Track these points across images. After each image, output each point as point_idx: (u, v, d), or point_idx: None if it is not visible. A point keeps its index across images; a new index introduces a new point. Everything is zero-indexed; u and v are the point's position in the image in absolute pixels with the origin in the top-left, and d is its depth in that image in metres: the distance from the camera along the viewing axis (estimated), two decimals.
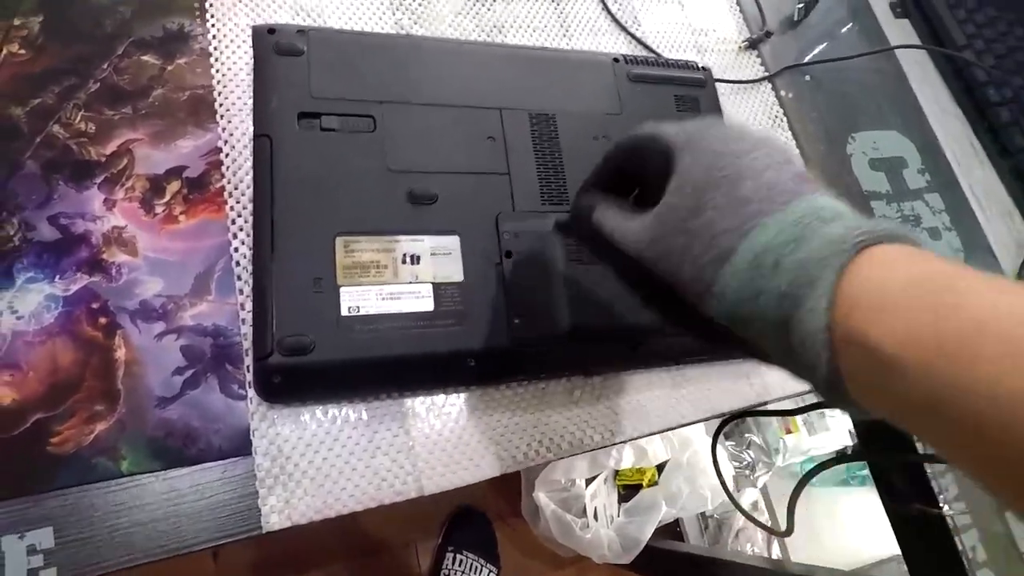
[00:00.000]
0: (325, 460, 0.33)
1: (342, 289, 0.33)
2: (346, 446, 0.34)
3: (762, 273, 0.22)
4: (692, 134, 0.27)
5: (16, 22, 0.37)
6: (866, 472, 0.87)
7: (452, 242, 0.36)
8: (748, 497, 0.91)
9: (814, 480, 0.50)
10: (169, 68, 0.39)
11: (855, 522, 0.88)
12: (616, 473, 0.91)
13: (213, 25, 0.40)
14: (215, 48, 0.40)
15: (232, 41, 0.40)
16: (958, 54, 0.59)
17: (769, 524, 0.89)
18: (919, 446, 0.45)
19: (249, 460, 0.32)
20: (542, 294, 0.37)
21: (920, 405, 0.19)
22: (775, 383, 0.43)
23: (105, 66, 0.38)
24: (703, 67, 0.48)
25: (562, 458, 0.38)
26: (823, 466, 0.52)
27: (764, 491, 0.89)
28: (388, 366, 0.33)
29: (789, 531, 0.51)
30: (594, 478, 0.88)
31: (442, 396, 0.36)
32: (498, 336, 0.35)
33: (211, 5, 0.41)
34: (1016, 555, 0.44)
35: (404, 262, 0.35)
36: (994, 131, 0.58)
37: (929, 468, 0.45)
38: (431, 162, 0.37)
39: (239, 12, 0.41)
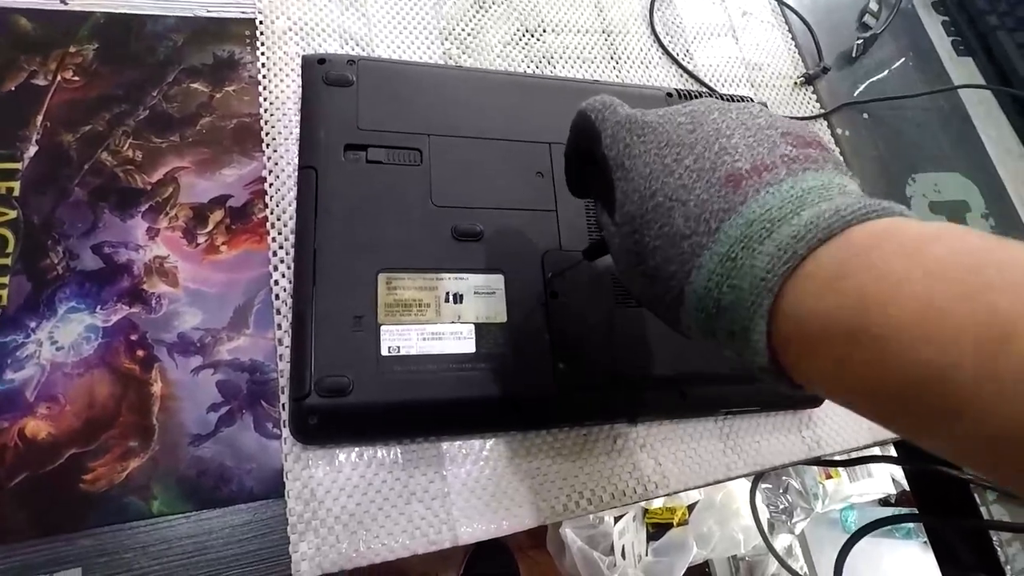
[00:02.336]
0: (358, 506, 0.32)
1: (383, 328, 0.32)
2: (380, 491, 0.32)
3: (708, 315, 0.21)
4: (625, 146, 0.25)
5: (72, 49, 0.37)
6: (911, 525, 0.82)
7: (496, 281, 0.35)
8: (782, 542, 0.87)
9: (852, 525, 0.47)
10: (217, 96, 0.39)
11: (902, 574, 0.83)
12: (645, 511, 0.88)
13: (263, 53, 0.40)
14: (264, 76, 0.39)
15: (281, 70, 0.40)
16: None
17: (805, 572, 0.85)
18: (984, 510, 0.42)
19: (281, 503, 0.31)
20: (588, 338, 0.35)
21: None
22: (828, 436, 0.41)
23: (155, 93, 0.38)
24: (760, 102, 0.46)
25: (602, 511, 0.36)
26: (876, 524, 0.49)
27: (801, 537, 0.85)
28: (427, 410, 0.32)
29: None
30: (623, 515, 0.85)
31: (480, 441, 0.35)
32: (542, 381, 0.34)
33: (262, 33, 0.41)
34: None
35: (447, 301, 0.34)
36: None
37: (995, 536, 0.41)
38: (477, 197, 0.36)
39: (289, 40, 0.41)
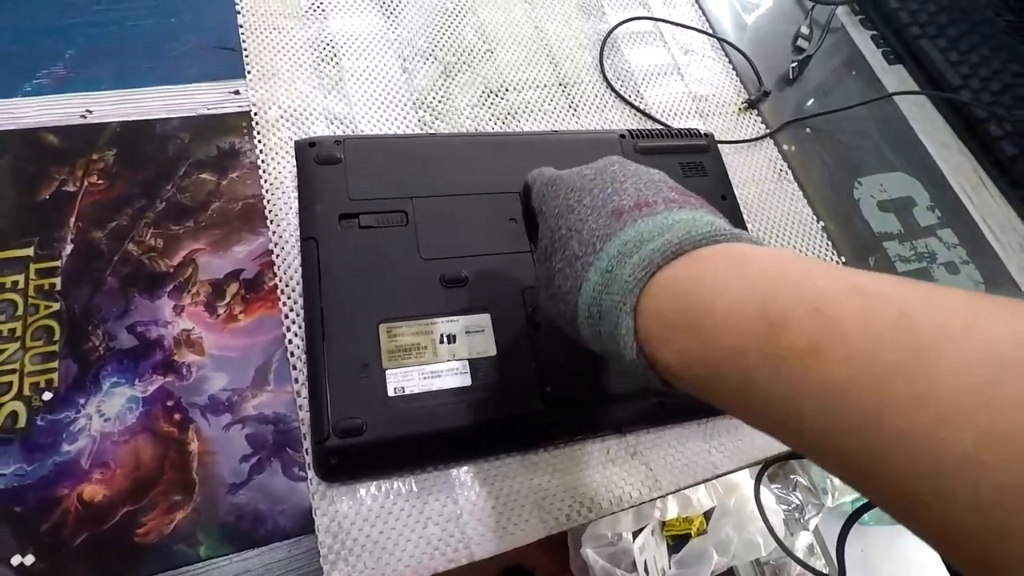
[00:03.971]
0: (381, 533, 0.35)
1: (388, 372, 0.36)
2: (399, 518, 0.36)
3: (593, 322, 0.26)
4: (543, 196, 0.31)
5: (94, 156, 0.43)
6: None
7: (484, 320, 0.39)
8: (802, 540, 0.89)
9: (868, 520, 0.49)
10: (223, 183, 0.44)
11: (916, 561, 0.85)
12: (663, 524, 0.91)
13: (259, 141, 0.45)
14: (262, 161, 0.45)
15: (277, 153, 0.45)
16: (956, 97, 0.62)
17: (826, 568, 0.86)
18: None
19: (312, 538, 0.35)
20: (571, 360, 0.39)
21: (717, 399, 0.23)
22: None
23: (169, 187, 0.43)
24: (705, 133, 0.51)
25: (603, 516, 0.39)
26: (868, 506, 0.52)
27: (817, 533, 0.87)
28: (434, 440, 0.36)
29: (841, 575, 0.50)
30: (641, 530, 0.87)
31: (485, 464, 0.38)
32: (532, 404, 0.38)
33: (257, 123, 0.46)
34: None
35: (442, 342, 0.38)
36: (1000, 164, 0.60)
37: None
38: (460, 247, 0.41)
39: (281, 127, 0.46)
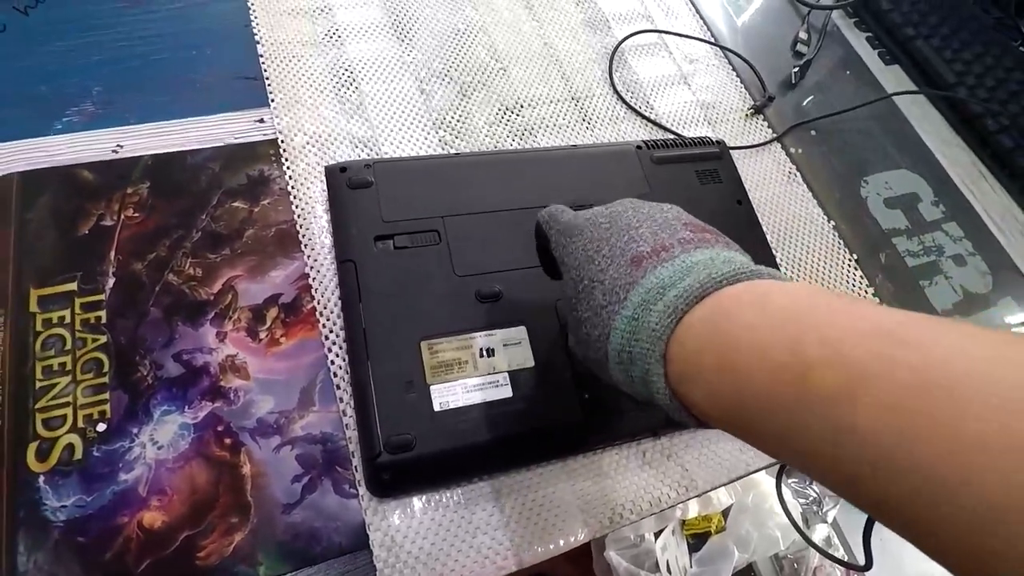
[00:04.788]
0: (433, 545, 0.36)
1: (432, 388, 0.37)
2: (449, 529, 0.37)
3: (624, 368, 0.26)
4: (562, 246, 0.32)
5: (129, 190, 0.44)
6: None
7: (520, 332, 0.40)
8: (819, 533, 0.90)
9: None
10: (256, 210, 0.45)
11: None
12: (683, 523, 0.92)
13: (288, 167, 0.47)
14: (292, 187, 0.46)
15: (306, 179, 0.46)
16: (952, 95, 0.64)
17: (845, 559, 0.87)
18: None
19: (367, 553, 0.36)
20: None
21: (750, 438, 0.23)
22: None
23: (203, 216, 0.44)
24: (717, 140, 0.53)
25: (644, 518, 0.40)
26: None
27: (835, 525, 0.89)
28: (479, 451, 0.37)
29: (868, 565, 0.52)
30: (662, 530, 0.88)
31: (527, 472, 0.40)
32: (571, 412, 0.39)
33: (284, 150, 0.47)
34: None
35: (481, 356, 0.39)
36: (999, 157, 0.62)
37: None
38: (492, 263, 0.42)
39: (308, 153, 0.47)
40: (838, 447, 0.19)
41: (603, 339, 0.27)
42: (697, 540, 0.92)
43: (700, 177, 0.50)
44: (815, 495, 0.88)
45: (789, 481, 0.90)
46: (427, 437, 0.36)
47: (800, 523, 0.88)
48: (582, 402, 0.39)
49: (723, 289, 0.24)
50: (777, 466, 0.52)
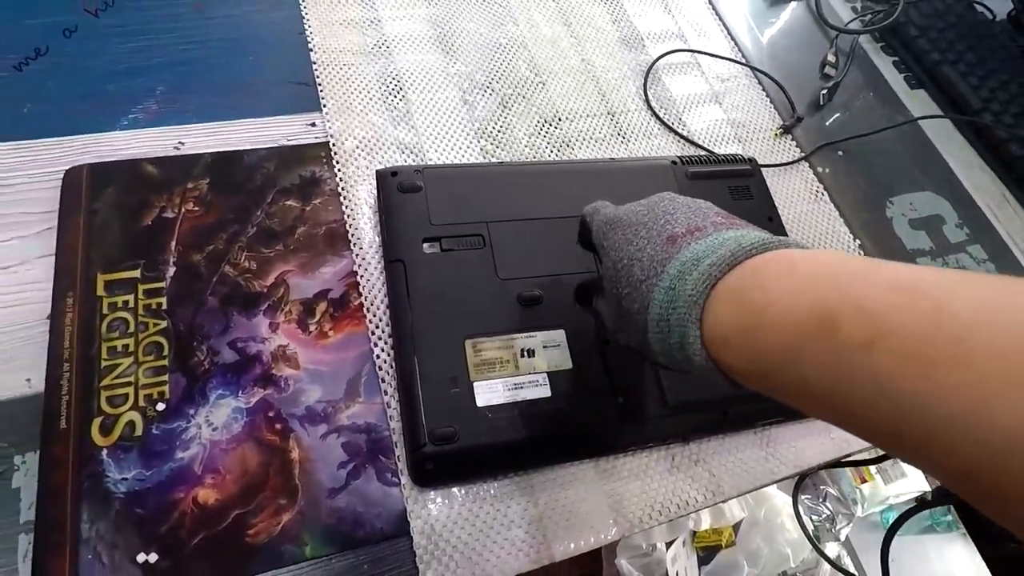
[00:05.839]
0: (470, 535, 0.38)
1: (475, 384, 0.39)
2: (486, 521, 0.39)
3: (662, 336, 0.28)
4: (603, 234, 0.34)
5: (190, 185, 0.46)
6: (950, 518, 0.86)
7: (559, 335, 0.42)
8: (830, 551, 0.91)
9: (900, 530, 0.52)
10: (307, 209, 0.47)
11: (945, 569, 0.87)
12: (694, 535, 0.92)
13: (339, 169, 0.49)
14: (342, 188, 0.48)
15: (355, 181, 0.48)
16: (978, 120, 0.65)
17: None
18: None
19: (407, 539, 0.37)
20: (639, 374, 0.42)
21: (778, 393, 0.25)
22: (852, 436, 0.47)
23: (259, 213, 0.46)
24: (749, 158, 0.54)
25: (671, 520, 0.42)
26: (908, 514, 0.54)
27: (847, 544, 0.89)
28: (519, 447, 0.39)
29: None
30: (673, 541, 0.89)
31: (561, 470, 0.41)
32: (606, 413, 0.40)
33: (335, 153, 0.49)
34: None
35: (522, 356, 0.41)
36: (1022, 182, 0.63)
37: None
38: (533, 268, 0.44)
39: (358, 156, 0.50)
40: (859, 391, 0.21)
41: (642, 311, 0.29)
42: (707, 552, 0.93)
43: (732, 193, 0.51)
44: (828, 512, 0.89)
45: (803, 498, 0.90)
46: (469, 431, 0.38)
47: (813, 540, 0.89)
48: (616, 405, 0.41)
49: (753, 258, 0.26)
50: (794, 481, 0.53)
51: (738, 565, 0.91)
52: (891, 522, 0.52)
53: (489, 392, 0.39)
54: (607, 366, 0.41)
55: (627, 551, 0.86)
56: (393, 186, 0.45)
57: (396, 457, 0.39)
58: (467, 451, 0.38)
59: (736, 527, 0.95)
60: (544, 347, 0.41)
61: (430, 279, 0.42)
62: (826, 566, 0.95)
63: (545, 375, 0.40)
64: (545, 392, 0.40)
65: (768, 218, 0.51)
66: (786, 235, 0.52)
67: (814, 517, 0.89)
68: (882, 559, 0.52)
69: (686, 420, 0.42)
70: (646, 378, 0.42)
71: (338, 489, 0.38)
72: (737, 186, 0.52)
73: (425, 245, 0.43)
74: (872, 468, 0.88)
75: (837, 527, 0.88)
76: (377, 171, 0.46)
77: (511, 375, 0.40)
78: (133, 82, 0.50)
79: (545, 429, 0.39)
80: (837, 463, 0.47)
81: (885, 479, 0.87)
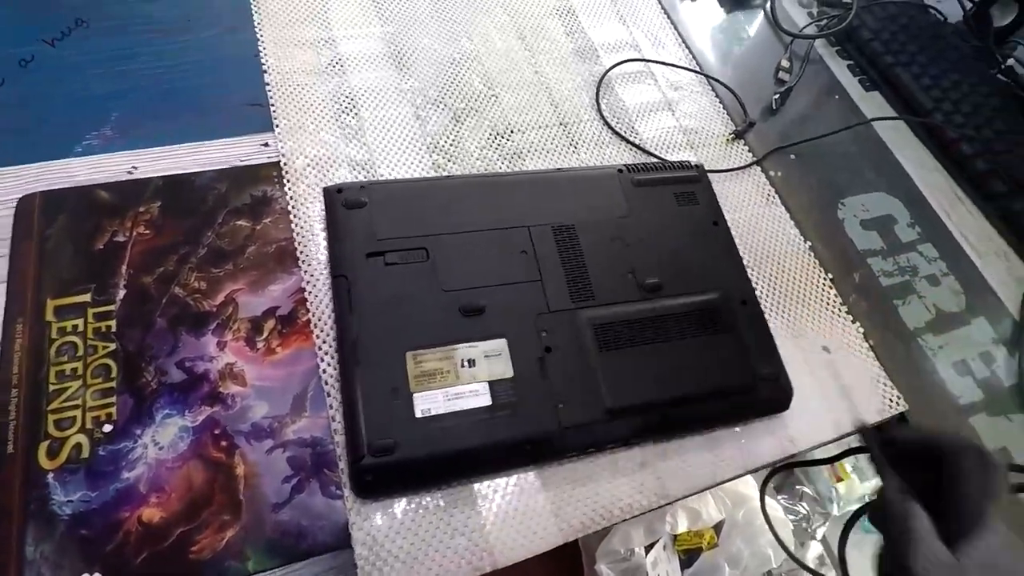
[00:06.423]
0: (412, 544, 0.39)
1: (415, 395, 0.40)
2: (428, 530, 0.39)
3: None
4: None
5: (141, 209, 0.47)
6: None
7: (500, 344, 0.43)
8: (813, 551, 0.91)
9: (870, 523, 0.52)
10: (258, 228, 0.48)
11: None
12: (674, 538, 0.93)
13: (289, 188, 0.50)
14: (292, 207, 0.49)
15: (305, 199, 0.49)
16: (930, 121, 0.66)
17: None
18: None
19: (350, 551, 0.38)
20: (580, 380, 0.43)
21: None
22: (799, 434, 0.47)
23: (209, 233, 0.47)
24: (696, 164, 0.55)
25: (614, 524, 0.42)
26: (861, 511, 0.54)
27: (824, 542, 0.89)
28: (459, 457, 0.39)
29: None
30: (653, 545, 0.89)
31: (505, 478, 0.42)
32: (547, 421, 0.41)
33: (286, 172, 0.50)
34: None
35: (463, 366, 0.42)
36: (974, 181, 0.64)
37: None
38: (476, 279, 0.45)
39: (308, 174, 0.51)
40: None
41: None
42: (688, 556, 0.93)
43: (678, 199, 0.52)
44: (804, 512, 0.89)
45: (780, 498, 0.91)
46: (408, 442, 0.38)
47: (791, 540, 0.89)
48: (557, 412, 0.41)
49: None
50: (773, 482, 0.53)
51: (719, 567, 0.91)
52: (846, 521, 0.52)
53: (428, 403, 0.40)
54: (547, 373, 0.42)
55: (606, 556, 0.86)
56: (338, 203, 0.46)
57: (340, 470, 0.40)
58: (406, 462, 0.38)
59: (717, 529, 0.95)
60: (485, 356, 0.42)
61: (373, 293, 0.43)
62: (809, 566, 0.95)
63: (486, 384, 0.41)
64: (485, 401, 0.41)
65: (714, 222, 0.52)
66: (732, 240, 0.52)
67: (791, 517, 0.90)
68: (840, 557, 0.52)
69: (627, 424, 0.43)
70: (586, 384, 0.43)
71: (282, 503, 0.39)
72: (683, 192, 0.53)
73: (369, 260, 0.44)
74: (847, 466, 0.88)
75: (814, 526, 0.88)
76: (324, 188, 0.47)
77: (451, 385, 0.41)
78: (88, 109, 0.51)
79: (485, 438, 0.40)
80: (786, 463, 0.47)
81: (861, 477, 0.87)
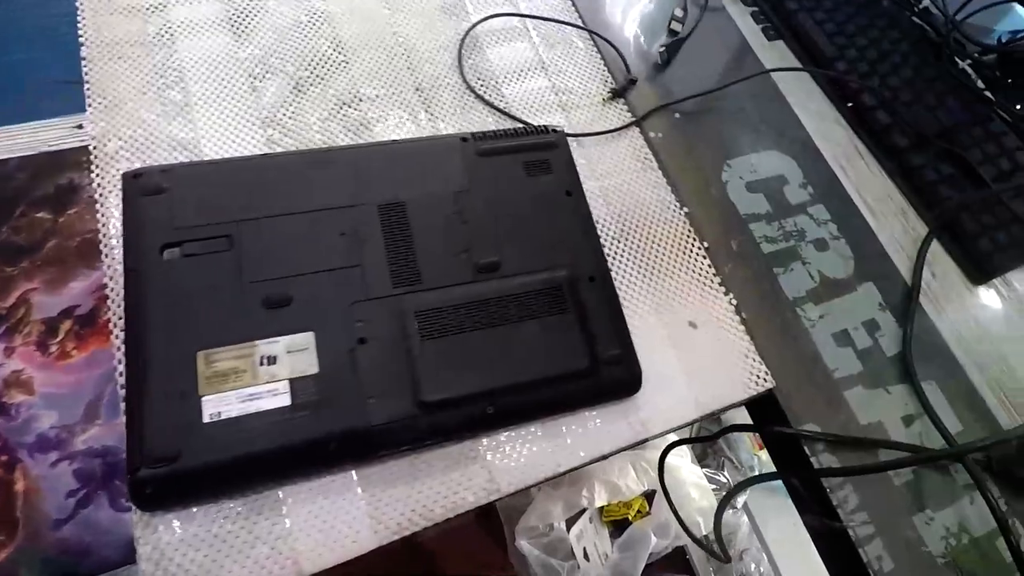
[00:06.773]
0: (206, 557, 0.36)
1: (204, 399, 0.37)
2: (226, 540, 0.37)
3: None
4: None
5: None
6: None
7: (307, 338, 0.39)
8: (737, 518, 0.90)
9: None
10: (61, 220, 0.44)
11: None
12: (601, 510, 0.92)
13: (97, 175, 0.46)
14: (100, 195, 0.45)
15: (115, 186, 0.45)
16: (832, 71, 0.61)
17: (758, 547, 0.87)
18: (814, 460, 0.46)
19: (135, 567, 0.36)
20: (396, 372, 0.40)
21: None
22: (653, 418, 0.45)
23: (3, 228, 0.43)
24: (554, 129, 0.51)
25: (436, 523, 0.40)
26: (740, 487, 0.52)
27: (746, 508, 0.88)
28: (254, 462, 0.37)
29: (727, 559, 0.51)
30: (576, 519, 0.88)
31: (318, 480, 0.39)
32: (356, 418, 0.38)
33: (95, 157, 0.46)
34: (925, 557, 0.43)
35: (262, 364, 0.38)
36: (875, 134, 0.60)
37: (826, 483, 0.45)
38: (286, 268, 0.41)
39: (120, 159, 0.46)
40: None
41: None
42: (617, 527, 0.92)
43: (528, 168, 0.48)
44: (726, 481, 0.88)
45: (702, 465, 0.89)
46: (194, 449, 0.36)
47: (715, 508, 0.88)
48: (368, 407, 0.39)
49: None
50: (698, 448, 0.51)
51: (648, 537, 0.90)
52: (724, 495, 0.50)
53: (219, 406, 0.37)
54: (357, 367, 0.39)
55: (525, 532, 0.85)
56: (135, 189, 0.42)
57: None
58: (192, 471, 0.35)
59: (649, 498, 0.94)
60: (288, 352, 0.39)
61: (166, 288, 0.39)
62: (744, 529, 0.94)
63: (287, 382, 0.38)
64: (284, 401, 0.38)
65: (567, 192, 0.48)
66: (588, 209, 0.49)
67: (714, 486, 0.88)
68: (716, 534, 0.51)
69: (447, 418, 0.40)
70: (403, 377, 0.39)
71: (64, 519, 0.36)
72: (534, 160, 0.49)
73: (164, 252, 0.40)
74: None
75: (737, 495, 0.87)
76: (123, 174, 0.43)
77: (247, 386, 0.38)
78: None
79: (282, 440, 0.37)
80: (632, 447, 0.45)
81: None
